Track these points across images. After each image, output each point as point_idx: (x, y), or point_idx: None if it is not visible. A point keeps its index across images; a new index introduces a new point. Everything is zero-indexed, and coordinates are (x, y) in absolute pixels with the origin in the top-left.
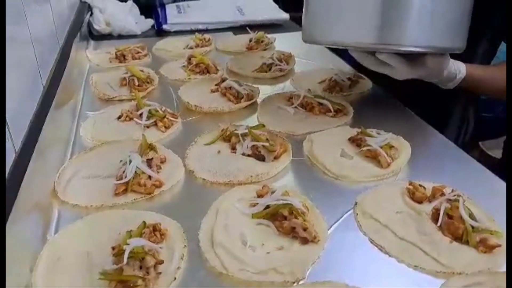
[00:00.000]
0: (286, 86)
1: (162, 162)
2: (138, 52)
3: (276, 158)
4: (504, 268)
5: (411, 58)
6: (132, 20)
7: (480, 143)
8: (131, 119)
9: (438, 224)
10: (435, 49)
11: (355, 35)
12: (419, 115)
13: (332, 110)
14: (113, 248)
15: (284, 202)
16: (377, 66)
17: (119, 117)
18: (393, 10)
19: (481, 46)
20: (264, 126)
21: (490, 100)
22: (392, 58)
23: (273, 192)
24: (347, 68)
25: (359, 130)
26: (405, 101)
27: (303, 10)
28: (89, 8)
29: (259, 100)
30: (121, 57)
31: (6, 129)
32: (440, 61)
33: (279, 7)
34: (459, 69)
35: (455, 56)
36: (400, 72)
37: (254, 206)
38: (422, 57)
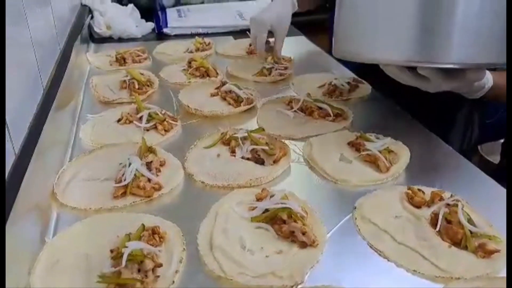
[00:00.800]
0: (285, 90)
1: (162, 165)
2: (139, 55)
3: (275, 161)
4: (502, 273)
5: (450, 71)
6: (132, 23)
7: (478, 147)
8: (131, 122)
9: (437, 229)
10: (480, 65)
11: (397, 52)
12: (423, 121)
13: (332, 115)
14: (112, 251)
15: (283, 206)
16: (413, 81)
17: (119, 120)
18: (437, 26)
19: None
20: (263, 129)
21: (493, 105)
22: (432, 73)
23: (272, 196)
24: (346, 72)
25: (358, 134)
26: (409, 107)
27: (335, 22)
28: (90, 11)
29: (258, 104)
30: (121, 60)
31: (6, 131)
32: (479, 73)
33: None
34: (487, 78)
35: None
36: (435, 85)
37: (253, 209)
38: (462, 71)
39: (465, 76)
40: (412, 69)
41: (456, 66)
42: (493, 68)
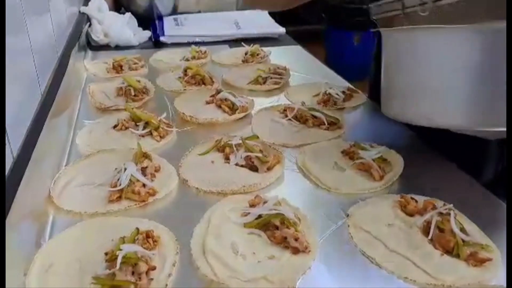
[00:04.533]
0: (280, 98)
1: (157, 170)
2: (135, 63)
3: (269, 169)
4: (494, 282)
5: None
6: (130, 31)
7: None
8: (127, 128)
9: (429, 237)
10: None
11: (449, 118)
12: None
13: (326, 123)
14: (106, 254)
15: (276, 212)
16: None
17: (115, 126)
18: (490, 94)
19: None
20: (258, 137)
21: None
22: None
23: (265, 202)
24: (341, 82)
25: (352, 143)
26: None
27: (382, 81)
28: (88, 19)
29: (253, 112)
30: (118, 68)
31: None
32: None
33: (276, 21)
34: None
35: None
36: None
37: (246, 215)
38: None
39: None
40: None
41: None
42: None
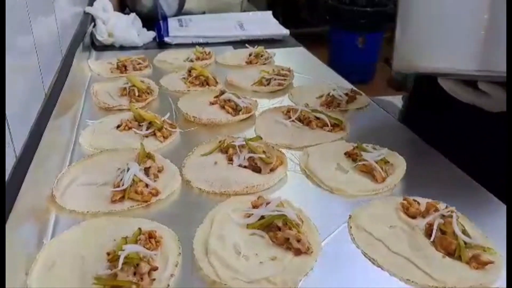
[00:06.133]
0: (284, 100)
1: (160, 171)
2: (139, 63)
3: (272, 170)
4: (496, 285)
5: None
6: (134, 32)
7: None
8: (130, 128)
9: (431, 239)
10: None
11: (459, 61)
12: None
13: (329, 125)
14: (108, 254)
15: (279, 213)
16: (474, 97)
17: (118, 126)
18: (502, 34)
19: None
20: (261, 138)
21: None
22: (492, 87)
23: (268, 203)
24: (345, 83)
25: (355, 145)
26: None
27: (397, 35)
28: (93, 19)
29: (257, 113)
30: (122, 68)
31: (8, 134)
32: None
33: (280, 23)
34: None
35: None
36: (496, 102)
37: (249, 216)
38: None
39: None
40: (473, 86)
41: None
42: None
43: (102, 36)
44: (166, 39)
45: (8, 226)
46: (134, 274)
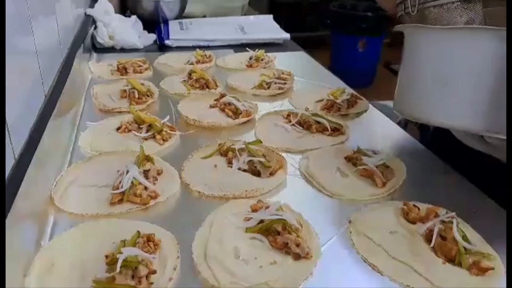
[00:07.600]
0: (284, 104)
1: (159, 174)
2: (140, 66)
3: (272, 174)
4: None
5: None
6: (135, 34)
7: None
8: (130, 130)
9: (431, 245)
10: None
11: (464, 120)
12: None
13: (329, 129)
14: (107, 256)
15: (278, 217)
16: (482, 147)
17: (118, 129)
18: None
19: None
20: (261, 142)
21: None
22: (500, 140)
23: (267, 207)
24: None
25: (356, 149)
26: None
27: (398, 84)
28: (94, 22)
29: (257, 117)
30: (122, 70)
31: (7, 136)
32: None
33: (281, 27)
34: None
35: None
36: (502, 152)
37: (248, 220)
38: None
39: None
40: (480, 136)
41: None
42: None
43: (103, 38)
44: (166, 42)
45: (6, 228)
46: (133, 277)
